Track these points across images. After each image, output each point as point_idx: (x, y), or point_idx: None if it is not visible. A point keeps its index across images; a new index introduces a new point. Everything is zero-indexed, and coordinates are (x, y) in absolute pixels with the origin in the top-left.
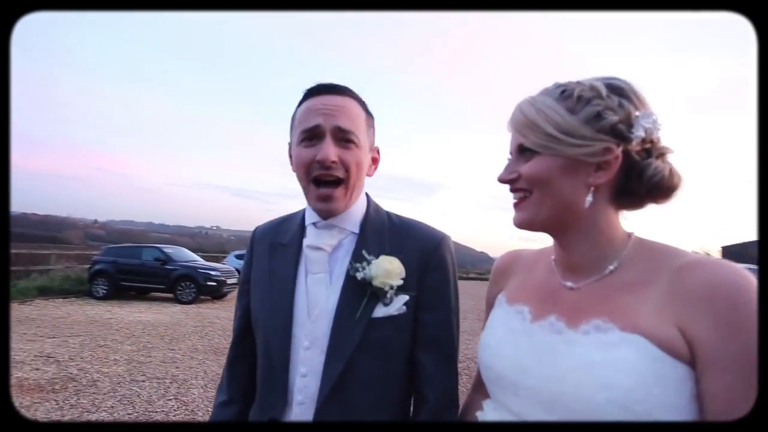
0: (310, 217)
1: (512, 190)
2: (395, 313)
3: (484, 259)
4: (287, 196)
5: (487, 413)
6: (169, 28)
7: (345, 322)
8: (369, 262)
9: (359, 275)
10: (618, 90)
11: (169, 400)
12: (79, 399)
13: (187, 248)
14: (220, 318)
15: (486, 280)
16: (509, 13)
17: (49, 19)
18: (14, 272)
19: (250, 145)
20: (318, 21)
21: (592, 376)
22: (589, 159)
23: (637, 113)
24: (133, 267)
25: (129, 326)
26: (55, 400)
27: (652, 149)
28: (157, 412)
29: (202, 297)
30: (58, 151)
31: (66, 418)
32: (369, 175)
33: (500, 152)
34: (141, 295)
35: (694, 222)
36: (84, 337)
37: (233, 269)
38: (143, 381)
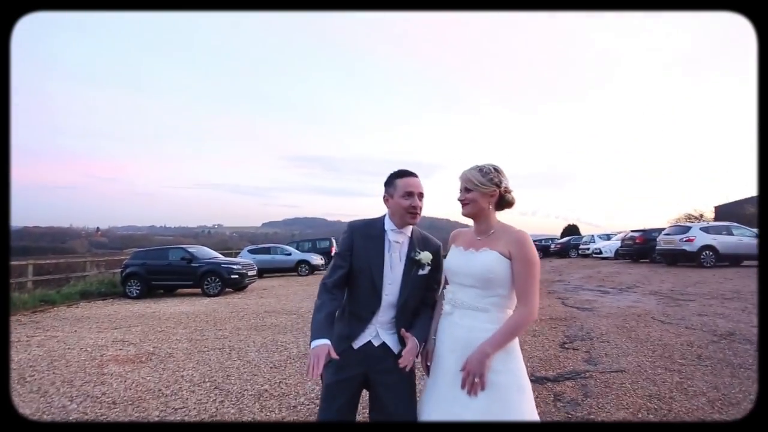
0: (389, 225)
1: (462, 203)
2: (425, 272)
3: None
4: (284, 190)
5: (449, 289)
6: (148, 27)
7: (408, 275)
8: (418, 252)
9: (415, 257)
10: (497, 169)
11: (235, 360)
12: (166, 365)
13: None
14: (248, 305)
15: None
16: None
17: (31, 23)
18: (56, 280)
19: (242, 140)
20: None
21: (481, 264)
22: (488, 193)
23: (502, 178)
24: (162, 267)
25: (174, 316)
26: (149, 367)
27: (507, 190)
28: (229, 368)
29: (227, 290)
30: (52, 161)
31: (164, 377)
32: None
33: (497, 130)
34: (168, 292)
35: (691, 186)
36: (141, 326)
37: (252, 263)
38: (208, 351)
